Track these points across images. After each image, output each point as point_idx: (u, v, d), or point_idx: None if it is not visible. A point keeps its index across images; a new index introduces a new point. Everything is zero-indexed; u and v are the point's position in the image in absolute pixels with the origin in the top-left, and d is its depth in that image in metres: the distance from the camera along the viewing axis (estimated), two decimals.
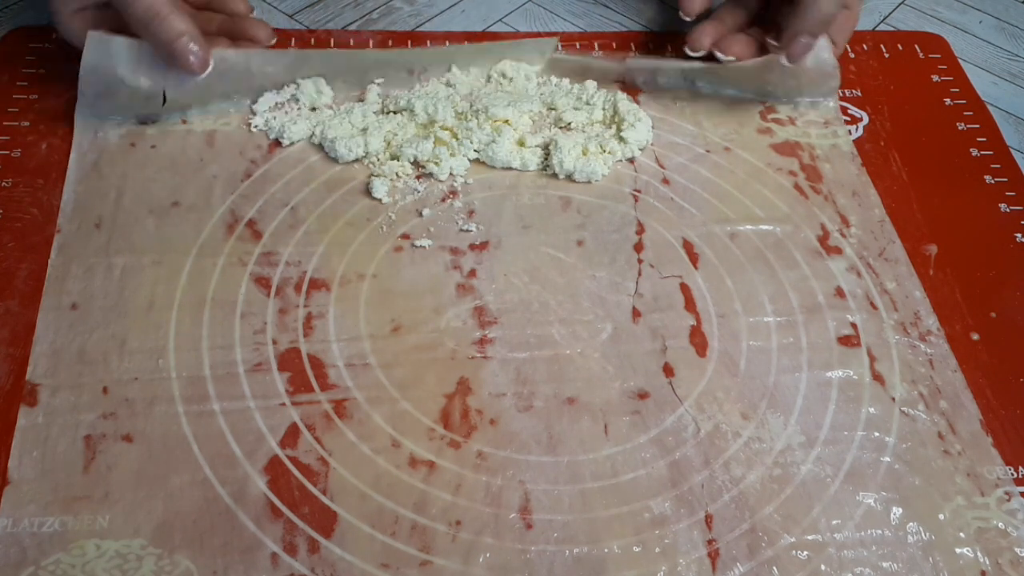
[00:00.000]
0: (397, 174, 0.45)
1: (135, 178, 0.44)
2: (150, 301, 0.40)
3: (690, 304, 0.42)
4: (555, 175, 0.46)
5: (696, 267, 0.43)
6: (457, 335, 0.40)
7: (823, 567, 0.34)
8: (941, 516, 0.36)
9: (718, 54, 0.49)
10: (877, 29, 0.58)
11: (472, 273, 0.42)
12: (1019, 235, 0.46)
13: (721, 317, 0.41)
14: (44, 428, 0.36)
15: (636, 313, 0.41)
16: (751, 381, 0.39)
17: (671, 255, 0.43)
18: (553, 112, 0.49)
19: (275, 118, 0.47)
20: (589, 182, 0.46)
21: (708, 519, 0.35)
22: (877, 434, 0.38)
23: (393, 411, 0.37)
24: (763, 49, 0.49)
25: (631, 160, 0.47)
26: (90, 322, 0.39)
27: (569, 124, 0.48)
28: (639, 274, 0.43)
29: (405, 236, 0.43)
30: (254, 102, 0.48)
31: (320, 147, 0.46)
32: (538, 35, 0.55)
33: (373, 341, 0.39)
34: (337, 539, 0.34)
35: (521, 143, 0.47)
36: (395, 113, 0.48)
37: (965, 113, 0.51)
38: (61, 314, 0.39)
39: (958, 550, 0.35)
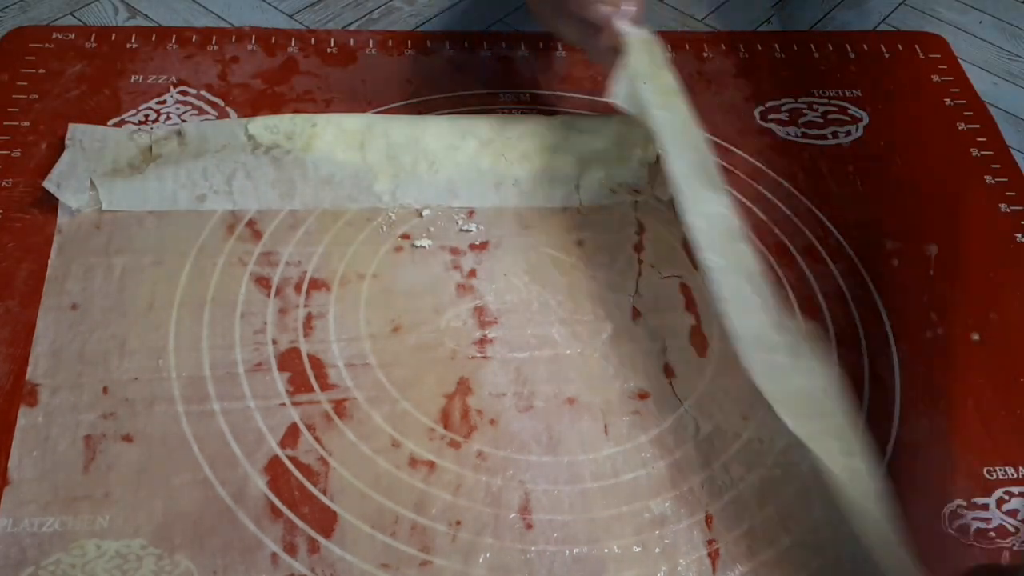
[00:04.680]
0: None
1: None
2: (150, 301, 0.40)
3: (690, 304, 0.42)
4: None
5: (696, 267, 0.43)
6: (457, 335, 0.40)
7: (823, 567, 0.34)
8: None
9: None
10: (877, 29, 0.58)
11: (472, 273, 0.42)
12: (1019, 235, 0.46)
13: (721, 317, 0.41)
14: (44, 428, 0.36)
15: (636, 313, 0.41)
16: (751, 381, 0.39)
17: (671, 255, 0.43)
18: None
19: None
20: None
21: (708, 519, 0.35)
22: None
23: (393, 411, 0.37)
24: None
25: None
26: (90, 322, 0.39)
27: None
28: (639, 274, 0.43)
29: (405, 236, 0.43)
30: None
31: None
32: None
33: (373, 341, 0.39)
34: (337, 539, 0.34)
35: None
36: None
37: (965, 113, 0.51)
38: (61, 314, 0.39)
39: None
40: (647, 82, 0.40)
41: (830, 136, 0.50)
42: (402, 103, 0.49)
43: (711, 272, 0.36)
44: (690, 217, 0.37)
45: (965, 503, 0.36)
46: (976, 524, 0.36)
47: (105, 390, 0.37)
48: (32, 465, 0.35)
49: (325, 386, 0.38)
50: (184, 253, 0.41)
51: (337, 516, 0.34)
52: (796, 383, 0.34)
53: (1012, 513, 0.36)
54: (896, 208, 0.47)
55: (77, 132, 0.45)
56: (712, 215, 0.38)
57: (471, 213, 0.44)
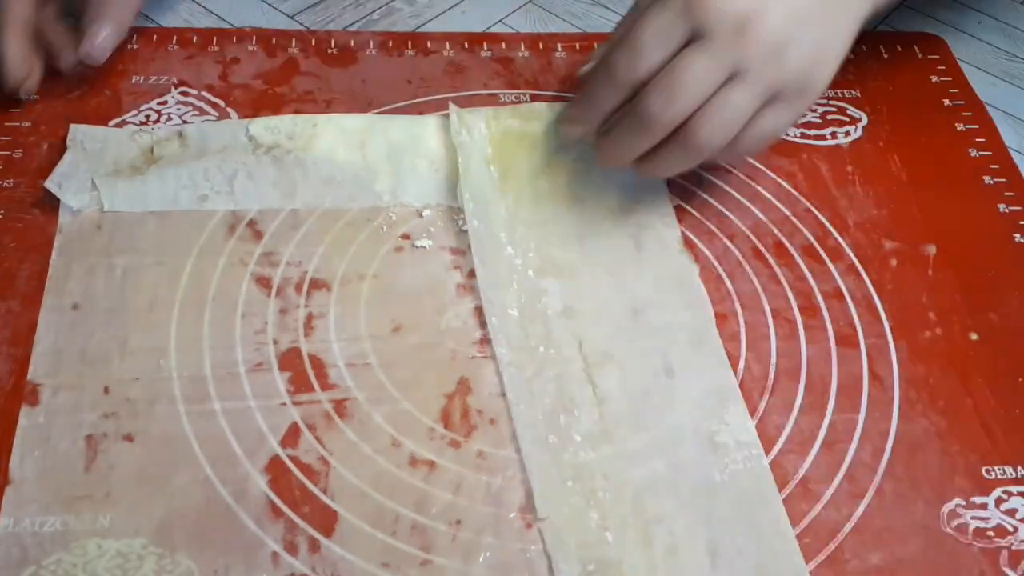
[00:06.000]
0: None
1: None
2: (151, 301, 0.40)
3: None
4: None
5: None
6: (457, 335, 0.40)
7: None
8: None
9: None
10: (876, 30, 0.58)
11: (472, 273, 0.42)
12: (1018, 235, 0.46)
13: (721, 317, 0.41)
14: (45, 428, 0.36)
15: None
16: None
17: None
18: None
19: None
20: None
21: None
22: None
23: (393, 411, 0.37)
24: None
25: None
26: (91, 322, 0.39)
27: None
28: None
29: (405, 236, 0.43)
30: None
31: None
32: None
33: (374, 341, 0.39)
34: (338, 538, 0.34)
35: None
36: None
37: (964, 114, 0.52)
38: (62, 314, 0.39)
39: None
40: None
41: (829, 136, 0.50)
42: (402, 103, 0.49)
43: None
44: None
45: (964, 502, 0.36)
46: (975, 523, 0.36)
47: (106, 390, 0.37)
48: (33, 465, 0.35)
49: (326, 386, 0.38)
50: (185, 254, 0.41)
51: (338, 515, 0.34)
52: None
53: (1011, 512, 0.36)
54: (895, 208, 0.47)
55: (78, 133, 0.45)
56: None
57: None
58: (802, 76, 0.38)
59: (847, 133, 0.50)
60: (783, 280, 0.43)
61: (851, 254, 0.45)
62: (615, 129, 0.40)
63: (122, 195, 0.43)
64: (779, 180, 0.48)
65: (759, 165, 0.48)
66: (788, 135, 0.50)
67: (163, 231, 0.42)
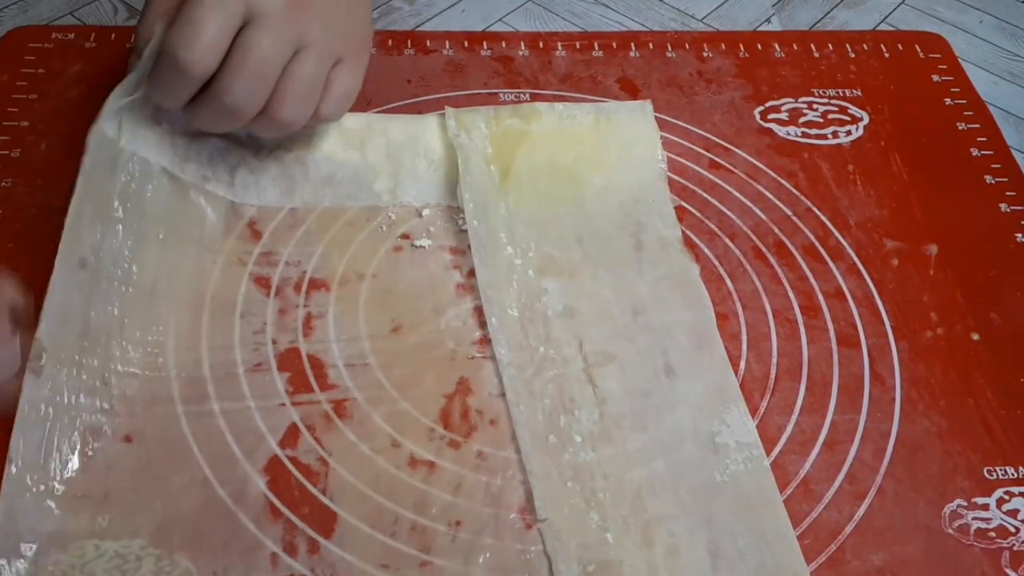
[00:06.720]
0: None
1: None
2: (152, 287, 0.39)
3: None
4: None
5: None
6: (457, 335, 0.40)
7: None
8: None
9: None
10: (877, 29, 0.58)
11: (472, 273, 0.42)
12: (1019, 235, 0.46)
13: (721, 317, 0.41)
14: (44, 428, 0.35)
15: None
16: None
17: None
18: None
19: None
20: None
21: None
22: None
23: (393, 411, 0.37)
24: None
25: None
26: (96, 290, 0.37)
27: None
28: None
29: (405, 236, 0.43)
30: None
31: None
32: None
33: (373, 341, 0.39)
34: (337, 539, 0.34)
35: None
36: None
37: (965, 113, 0.51)
38: (71, 273, 0.37)
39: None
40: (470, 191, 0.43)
41: (830, 136, 0.50)
42: (402, 103, 0.49)
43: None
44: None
45: (965, 503, 0.36)
46: (976, 524, 0.36)
47: (105, 382, 0.36)
48: (33, 464, 0.34)
49: (325, 386, 0.38)
50: (184, 252, 0.41)
51: (337, 516, 0.34)
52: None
53: (1012, 513, 0.36)
54: (896, 208, 0.47)
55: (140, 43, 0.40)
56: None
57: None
58: (356, 38, 0.41)
59: (848, 132, 0.50)
60: (784, 280, 0.43)
61: (852, 254, 0.44)
62: (201, 109, 0.38)
63: (141, 138, 0.41)
64: (780, 180, 0.47)
65: (760, 165, 0.48)
66: (789, 135, 0.50)
67: (171, 202, 0.41)
